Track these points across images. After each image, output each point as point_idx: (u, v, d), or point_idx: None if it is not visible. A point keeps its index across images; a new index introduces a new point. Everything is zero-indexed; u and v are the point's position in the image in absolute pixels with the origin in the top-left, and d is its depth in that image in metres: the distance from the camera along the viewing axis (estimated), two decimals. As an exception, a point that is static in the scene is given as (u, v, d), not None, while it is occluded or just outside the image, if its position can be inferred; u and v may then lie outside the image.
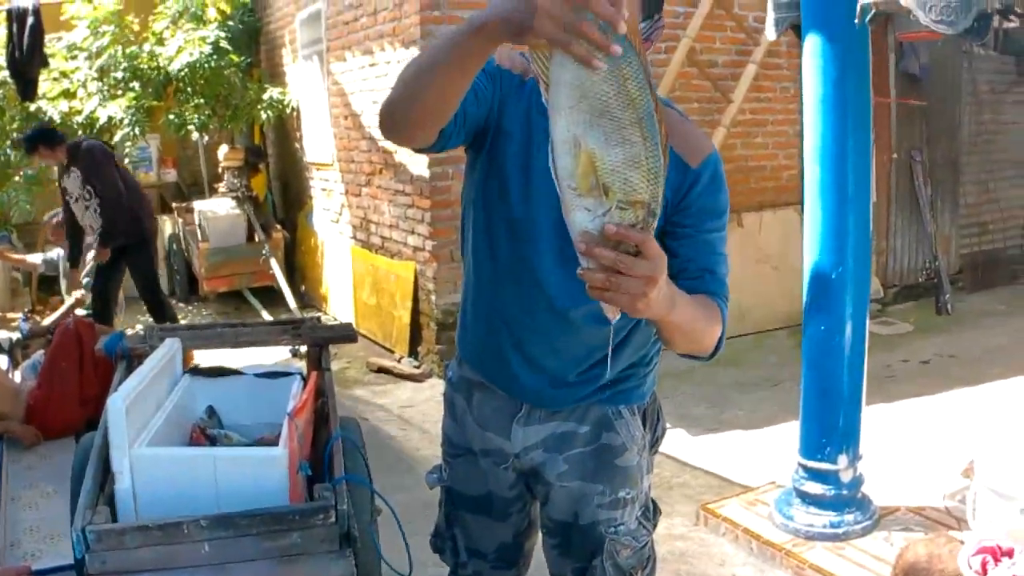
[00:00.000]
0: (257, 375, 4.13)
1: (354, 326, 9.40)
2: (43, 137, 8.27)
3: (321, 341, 4.44)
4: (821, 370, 4.57)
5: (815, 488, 4.62)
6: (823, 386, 4.58)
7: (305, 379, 3.99)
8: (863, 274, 4.49)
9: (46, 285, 10.30)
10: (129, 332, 4.98)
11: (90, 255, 8.18)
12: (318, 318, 4.85)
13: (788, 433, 5.70)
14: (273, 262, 10.41)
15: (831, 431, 4.57)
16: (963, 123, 10.88)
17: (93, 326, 6.71)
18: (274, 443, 3.31)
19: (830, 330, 4.46)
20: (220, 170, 11.64)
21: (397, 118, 2.06)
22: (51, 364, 6.19)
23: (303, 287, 11.43)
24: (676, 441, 6.18)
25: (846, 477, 4.60)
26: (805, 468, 4.66)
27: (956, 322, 9.42)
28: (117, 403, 3.09)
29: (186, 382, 3.95)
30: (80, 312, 7.92)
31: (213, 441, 3.78)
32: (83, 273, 8.29)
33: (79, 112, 10.22)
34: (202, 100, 10.60)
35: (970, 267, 11.09)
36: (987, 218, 11.31)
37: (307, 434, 3.63)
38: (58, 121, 10.11)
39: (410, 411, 7.13)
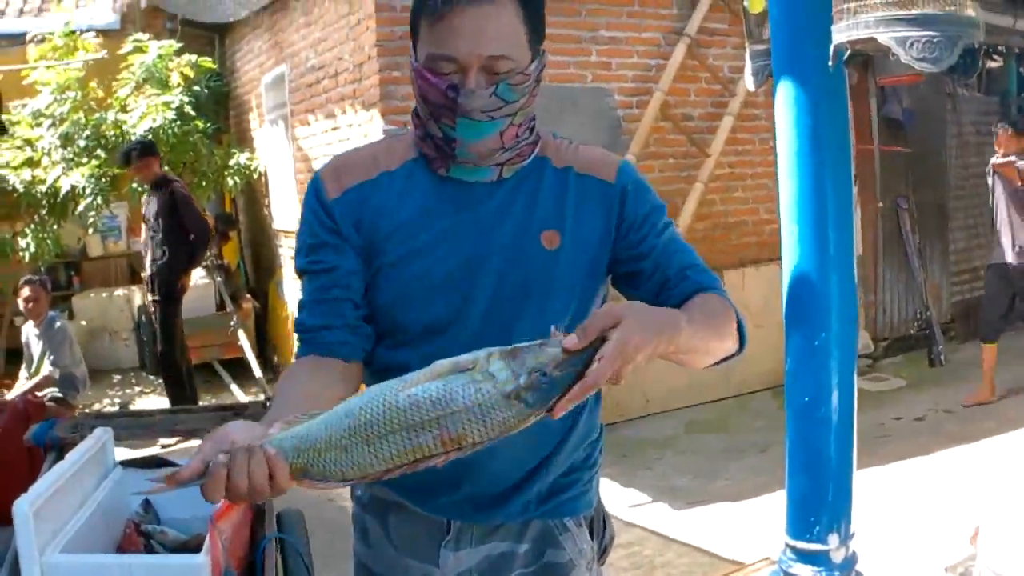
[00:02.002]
0: (191, 467, 3.81)
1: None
2: (143, 148, 8.78)
3: (264, 428, 4.11)
4: (806, 444, 4.22)
5: (804, 571, 4.25)
6: (809, 461, 4.22)
7: (244, 471, 3.67)
8: (849, 338, 4.15)
9: (15, 357, 9.93)
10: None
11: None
12: (265, 402, 4.51)
13: (780, 503, 5.38)
14: (241, 334, 10.08)
15: (819, 508, 4.20)
16: (949, 167, 10.69)
17: (43, 406, 6.44)
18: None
19: (815, 400, 4.11)
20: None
21: None
22: (-1, 444, 5.87)
23: (275, 358, 11.11)
24: (659, 515, 5.87)
25: (838, 557, 4.23)
26: (793, 549, 4.29)
27: (950, 374, 9.14)
28: (23, 508, 2.83)
29: (118, 474, 3.69)
30: (51, 390, 7.57)
31: (148, 537, 3.54)
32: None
33: (43, 181, 9.93)
34: (167, 167, 10.31)
35: (962, 316, 10.82)
36: (977, 264, 11.00)
37: (240, 534, 3.31)
38: (21, 191, 9.85)
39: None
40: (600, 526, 2.29)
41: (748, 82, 4.45)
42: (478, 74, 1.86)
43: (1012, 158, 7.75)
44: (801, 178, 3.95)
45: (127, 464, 3.80)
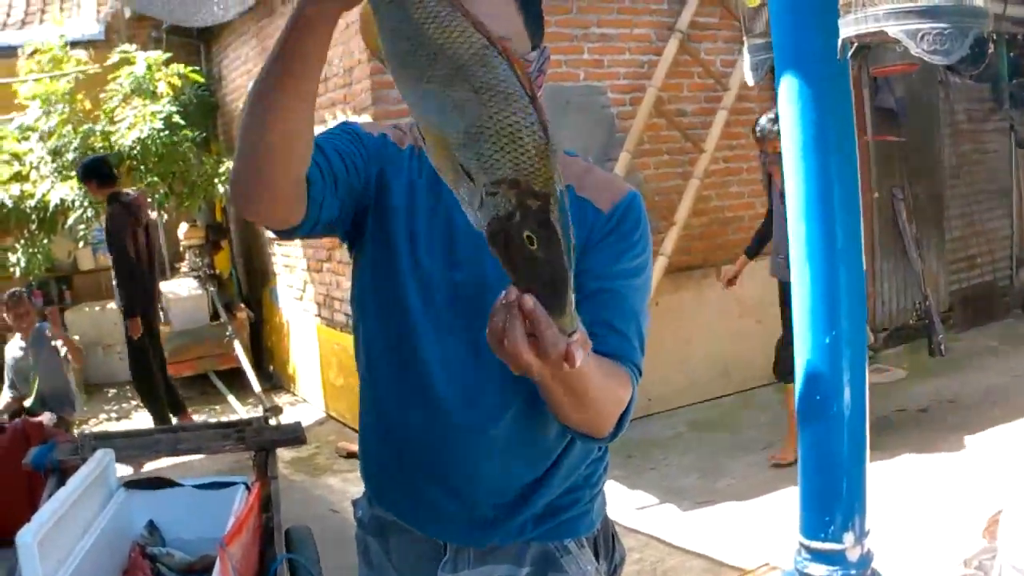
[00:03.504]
0: (197, 486, 3.78)
1: (323, 411, 9.12)
2: (94, 171, 8.56)
3: (267, 445, 4.02)
4: (819, 443, 4.15)
5: (819, 571, 4.18)
6: (822, 460, 4.16)
7: (250, 488, 3.63)
8: (859, 334, 4.09)
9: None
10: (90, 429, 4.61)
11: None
12: (265, 418, 4.46)
13: (785, 502, 5.37)
14: (237, 344, 9.98)
15: (833, 507, 4.14)
16: (943, 156, 10.65)
17: (42, 426, 6.37)
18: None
19: (826, 398, 4.04)
20: (181, 249, 11.36)
21: (242, 178, 1.67)
22: (-1, 467, 5.80)
23: (271, 367, 11.01)
24: (664, 519, 5.81)
25: (853, 556, 4.17)
26: (807, 549, 4.23)
27: (951, 364, 9.04)
28: (27, 539, 2.77)
29: (121, 496, 3.66)
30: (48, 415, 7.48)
31: (154, 560, 3.53)
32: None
33: (32, 195, 9.85)
34: (156, 178, 10.23)
35: (960, 304, 10.79)
36: (974, 251, 11.06)
37: (250, 556, 3.25)
38: (10, 206, 9.81)
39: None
40: (608, 546, 2.21)
41: (747, 76, 4.39)
42: None
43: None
44: (807, 173, 3.89)
45: (130, 485, 3.75)
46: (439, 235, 1.96)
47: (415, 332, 1.97)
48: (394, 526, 2.16)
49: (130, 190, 9.14)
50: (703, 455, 6.95)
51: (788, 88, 3.89)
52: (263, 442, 4.03)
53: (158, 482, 3.79)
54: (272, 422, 7.55)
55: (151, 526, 3.70)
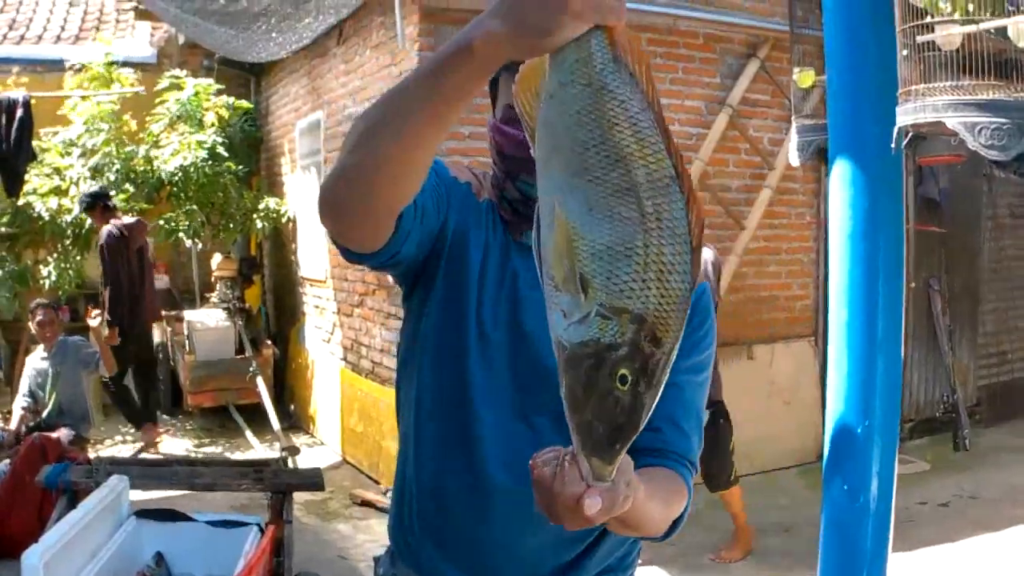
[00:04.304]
0: (210, 522, 3.73)
1: (340, 455, 9.05)
2: (103, 197, 9.14)
3: (284, 488, 3.97)
4: (842, 534, 4.06)
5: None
6: (844, 552, 4.07)
7: (263, 529, 3.58)
8: (891, 427, 4.01)
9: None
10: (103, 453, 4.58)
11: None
12: (284, 459, 4.40)
13: None
14: (260, 380, 9.92)
15: (854, 602, 4.07)
16: (983, 249, 10.54)
17: (59, 443, 6.37)
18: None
19: (854, 489, 3.97)
20: (213, 280, 11.31)
21: (342, 195, 1.58)
22: (13, 477, 5.84)
23: (292, 406, 10.96)
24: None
25: (870, 657, 4.10)
26: (825, 646, 4.16)
27: (975, 458, 8.93)
28: (32, 560, 2.73)
29: (132, 525, 3.62)
30: (66, 431, 7.47)
31: None
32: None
33: (69, 211, 9.88)
34: (195, 207, 10.25)
35: (988, 399, 10.65)
36: (1006, 347, 10.93)
37: (257, 600, 3.19)
38: (46, 219, 9.88)
39: (393, 549, 6.56)
40: None
41: (792, 157, 4.36)
42: None
43: None
44: (853, 260, 3.84)
45: (141, 514, 3.71)
46: (505, 301, 1.91)
47: (472, 396, 1.91)
48: None
49: (129, 217, 9.40)
50: (721, 534, 6.83)
51: (841, 173, 3.85)
52: (280, 484, 3.99)
53: (170, 514, 3.75)
54: (289, 463, 7.54)
55: (159, 558, 3.66)
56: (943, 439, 9.46)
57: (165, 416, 10.81)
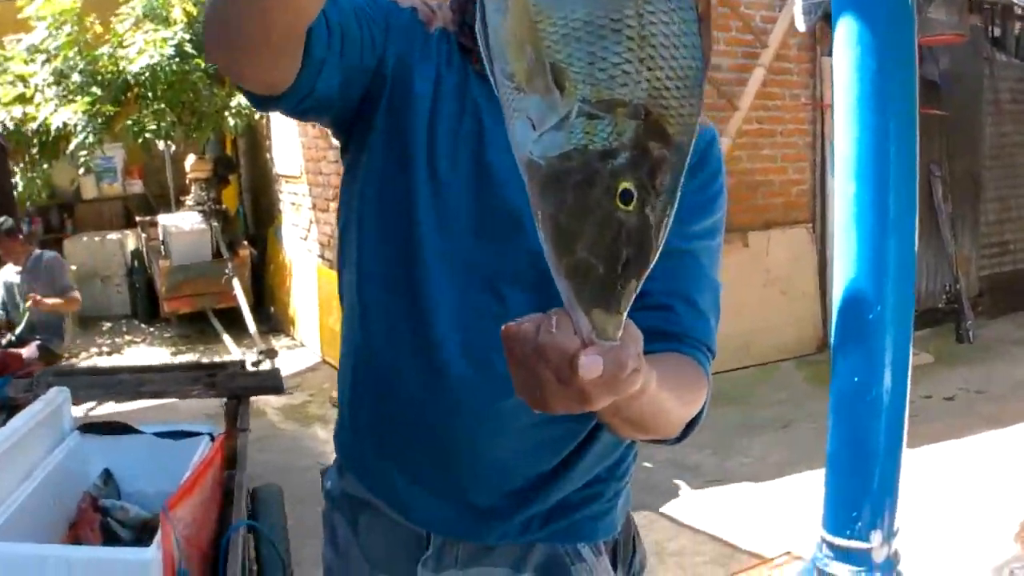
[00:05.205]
0: (159, 434, 3.41)
1: (320, 356, 8.78)
2: None
3: (240, 393, 3.62)
4: (852, 430, 3.74)
5: (842, 571, 3.78)
6: (855, 449, 3.75)
7: (216, 439, 3.26)
8: (905, 313, 3.67)
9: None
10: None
11: None
12: (242, 363, 4.04)
13: (803, 485, 5.10)
14: (236, 283, 9.62)
15: (862, 501, 3.73)
16: (984, 134, 10.18)
17: (21, 359, 6.09)
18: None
19: (865, 381, 3.63)
20: (187, 182, 10.98)
21: (227, 16, 1.21)
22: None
23: (272, 308, 10.70)
24: (673, 495, 5.47)
25: (879, 556, 3.77)
26: (831, 546, 3.83)
27: (979, 351, 8.74)
28: (-50, 481, 2.41)
29: (75, 440, 3.29)
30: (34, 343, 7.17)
31: (105, 513, 3.15)
32: None
33: (34, 119, 9.50)
34: (163, 106, 9.87)
35: (990, 290, 10.39)
36: (1008, 237, 10.69)
37: (206, 519, 2.87)
38: (11, 129, 9.51)
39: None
40: (628, 551, 1.78)
41: (798, 21, 4.00)
42: None
43: None
44: (861, 127, 3.45)
45: (86, 428, 3.40)
46: (466, 139, 1.52)
47: (424, 267, 1.53)
48: (367, 506, 1.73)
49: None
50: (716, 431, 6.56)
51: (846, 32, 3.45)
52: (235, 389, 3.64)
53: (116, 427, 3.42)
54: (266, 365, 7.24)
55: (106, 475, 3.36)
56: (946, 330, 9.27)
57: (142, 325, 10.59)
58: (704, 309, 1.49)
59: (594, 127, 0.87)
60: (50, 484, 2.99)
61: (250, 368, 4.54)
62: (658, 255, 0.93)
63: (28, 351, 6.87)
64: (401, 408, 1.61)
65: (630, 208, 0.89)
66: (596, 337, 0.90)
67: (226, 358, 8.66)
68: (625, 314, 0.92)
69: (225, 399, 3.71)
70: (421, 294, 1.53)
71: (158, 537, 2.38)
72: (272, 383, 3.78)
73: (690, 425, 1.42)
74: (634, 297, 0.92)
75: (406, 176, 1.52)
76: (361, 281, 1.64)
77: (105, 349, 9.64)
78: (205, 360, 8.64)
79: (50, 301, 7.19)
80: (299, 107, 1.43)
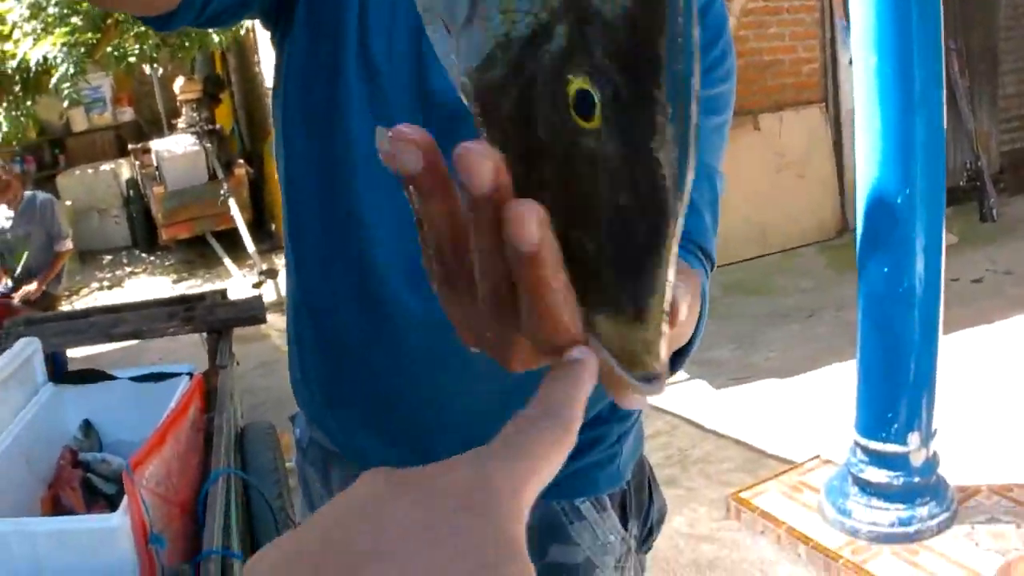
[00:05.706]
0: (135, 378, 3.18)
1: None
2: None
3: (219, 326, 3.35)
4: (885, 325, 3.47)
5: (878, 476, 3.55)
6: (888, 345, 3.48)
7: (193, 378, 3.03)
8: (937, 194, 3.39)
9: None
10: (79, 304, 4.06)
11: None
12: (223, 292, 3.75)
13: (831, 380, 4.90)
14: (232, 203, 9.32)
15: (898, 400, 3.48)
16: (999, 4, 9.77)
17: (9, 307, 6.06)
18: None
19: (896, 272, 3.35)
20: (178, 104, 10.73)
21: None
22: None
23: (272, 225, 10.46)
24: (696, 396, 5.22)
25: (917, 460, 3.52)
26: (865, 450, 3.59)
27: (1004, 230, 8.44)
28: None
29: (48, 393, 3.08)
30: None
31: (87, 468, 2.96)
32: None
33: (13, 55, 9.20)
34: (144, 28, 9.55)
35: (1011, 166, 10.05)
36: (1027, 111, 10.29)
37: (186, 469, 2.63)
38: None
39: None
40: (643, 502, 1.48)
41: None
42: None
43: None
44: (880, -4, 3.15)
45: (59, 380, 3.17)
46: (402, 27, 1.21)
47: (355, 175, 1.23)
48: (336, 457, 1.48)
49: None
50: (739, 323, 6.32)
51: None
52: (214, 322, 3.36)
53: (91, 375, 3.19)
54: (268, 286, 6.99)
55: (86, 426, 3.15)
56: (968, 209, 8.95)
57: (143, 255, 10.38)
58: (698, 204, 1.20)
59: (510, 4, 0.51)
60: (24, 442, 2.78)
61: (252, 291, 4.29)
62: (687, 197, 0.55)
63: (18, 296, 6.66)
64: (349, 351, 1.35)
65: (594, 118, 0.49)
66: (631, 378, 0.58)
67: (228, 283, 8.45)
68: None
69: (205, 333, 3.45)
70: (355, 214, 1.25)
71: (125, 501, 2.14)
72: (252, 312, 3.48)
73: (686, 346, 1.10)
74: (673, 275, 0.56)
75: (334, 65, 1.21)
76: (293, 203, 1.37)
77: (106, 284, 9.44)
78: (207, 288, 8.45)
79: (36, 286, 6.99)
80: (202, 15, 1.14)
